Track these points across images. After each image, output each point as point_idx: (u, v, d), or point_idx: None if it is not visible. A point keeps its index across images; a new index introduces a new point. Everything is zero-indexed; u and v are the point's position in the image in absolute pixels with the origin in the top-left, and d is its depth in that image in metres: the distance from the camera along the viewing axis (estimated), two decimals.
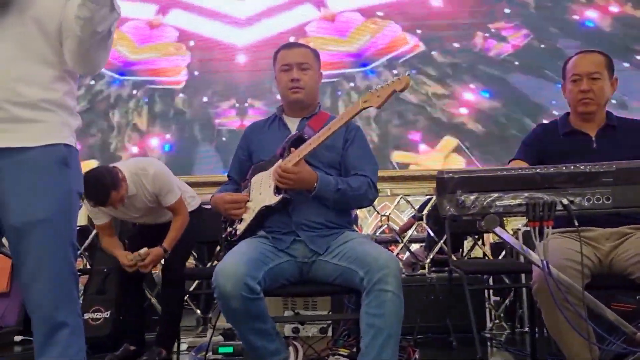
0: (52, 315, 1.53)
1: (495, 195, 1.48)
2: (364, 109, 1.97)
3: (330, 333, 2.75)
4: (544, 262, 1.43)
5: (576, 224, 1.45)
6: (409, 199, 4.23)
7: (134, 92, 4.76)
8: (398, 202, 4.13)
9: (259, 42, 4.68)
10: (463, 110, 4.47)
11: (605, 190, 1.44)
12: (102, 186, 2.69)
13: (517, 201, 1.47)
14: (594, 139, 2.14)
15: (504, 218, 1.60)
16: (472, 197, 1.49)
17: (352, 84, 4.56)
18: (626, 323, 1.56)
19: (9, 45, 1.54)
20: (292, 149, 2.05)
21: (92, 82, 4.77)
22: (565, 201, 1.44)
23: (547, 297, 1.77)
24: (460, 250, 4.68)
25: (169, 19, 4.85)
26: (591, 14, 4.54)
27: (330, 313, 2.86)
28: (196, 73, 4.75)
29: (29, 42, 1.56)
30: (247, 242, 2.05)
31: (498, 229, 1.52)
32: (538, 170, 1.48)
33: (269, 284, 1.94)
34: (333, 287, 2.05)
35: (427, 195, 4.31)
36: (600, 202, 1.44)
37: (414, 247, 5.24)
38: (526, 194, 1.47)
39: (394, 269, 1.83)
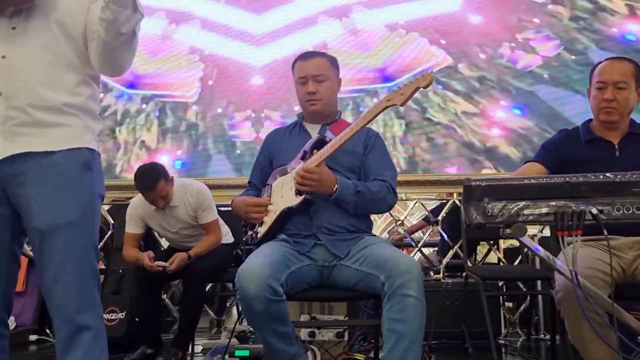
0: (74, 317, 1.52)
1: (523, 203, 1.47)
2: (387, 107, 1.96)
3: (346, 337, 2.75)
4: (574, 272, 1.42)
5: (605, 233, 1.43)
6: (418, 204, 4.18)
7: (143, 106, 4.56)
8: (414, 206, 4.12)
9: (279, 60, 4.48)
10: (495, 132, 4.21)
11: (635, 200, 1.42)
12: (154, 172, 2.94)
13: (545, 210, 1.46)
14: (616, 146, 2.12)
15: None
16: (500, 205, 1.48)
17: (375, 100, 4.32)
18: None
19: (34, 49, 1.55)
20: (315, 150, 2.05)
21: (101, 95, 4.54)
22: (594, 210, 1.42)
23: (572, 306, 1.77)
24: (474, 255, 4.66)
25: (181, 31, 4.67)
26: (633, 27, 4.28)
27: (347, 318, 2.85)
28: (210, 82, 4.55)
29: (54, 46, 1.57)
30: (270, 245, 2.05)
31: (525, 238, 1.51)
32: (567, 179, 1.47)
33: (291, 287, 1.94)
34: (353, 292, 2.04)
35: (439, 200, 4.28)
36: (630, 211, 1.42)
37: (426, 251, 5.21)
38: (554, 203, 1.46)
39: (416, 274, 1.82)
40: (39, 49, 1.55)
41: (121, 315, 3.33)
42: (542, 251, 1.60)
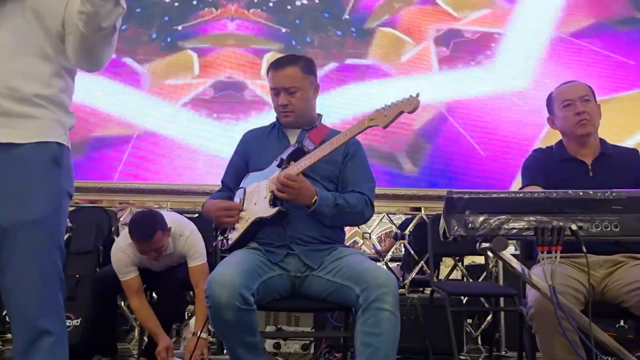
0: (36, 322, 1.43)
1: (504, 217, 1.47)
2: (370, 127, 1.91)
3: (312, 350, 2.70)
4: (552, 288, 1.42)
5: (584, 250, 1.44)
6: (386, 218, 4.14)
7: None
8: (381, 220, 4.10)
9: None
10: None
11: (613, 218, 1.43)
12: (153, 222, 2.67)
13: (526, 225, 1.46)
14: (590, 167, 2.16)
15: None
16: (481, 219, 1.47)
17: None
18: (627, 352, 1.56)
19: (6, 36, 1.47)
20: (292, 162, 2.00)
21: None
22: (574, 227, 1.43)
23: (545, 322, 1.78)
24: (437, 271, 4.67)
25: None
26: None
27: (314, 329, 2.81)
28: None
29: (27, 34, 1.49)
30: (241, 252, 2.00)
31: (503, 252, 1.51)
32: (548, 194, 1.47)
33: (261, 296, 1.89)
34: (325, 304, 2.01)
35: (405, 214, 4.27)
36: (609, 229, 1.43)
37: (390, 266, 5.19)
38: (535, 218, 1.46)
39: (392, 288, 1.81)
40: (12, 36, 1.47)
41: (76, 322, 3.19)
42: (519, 266, 1.61)
